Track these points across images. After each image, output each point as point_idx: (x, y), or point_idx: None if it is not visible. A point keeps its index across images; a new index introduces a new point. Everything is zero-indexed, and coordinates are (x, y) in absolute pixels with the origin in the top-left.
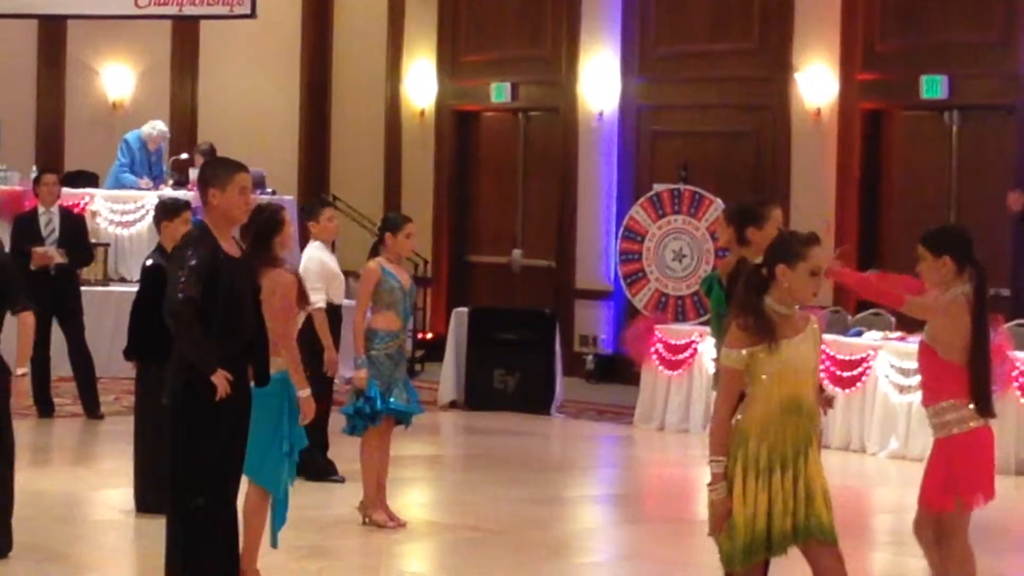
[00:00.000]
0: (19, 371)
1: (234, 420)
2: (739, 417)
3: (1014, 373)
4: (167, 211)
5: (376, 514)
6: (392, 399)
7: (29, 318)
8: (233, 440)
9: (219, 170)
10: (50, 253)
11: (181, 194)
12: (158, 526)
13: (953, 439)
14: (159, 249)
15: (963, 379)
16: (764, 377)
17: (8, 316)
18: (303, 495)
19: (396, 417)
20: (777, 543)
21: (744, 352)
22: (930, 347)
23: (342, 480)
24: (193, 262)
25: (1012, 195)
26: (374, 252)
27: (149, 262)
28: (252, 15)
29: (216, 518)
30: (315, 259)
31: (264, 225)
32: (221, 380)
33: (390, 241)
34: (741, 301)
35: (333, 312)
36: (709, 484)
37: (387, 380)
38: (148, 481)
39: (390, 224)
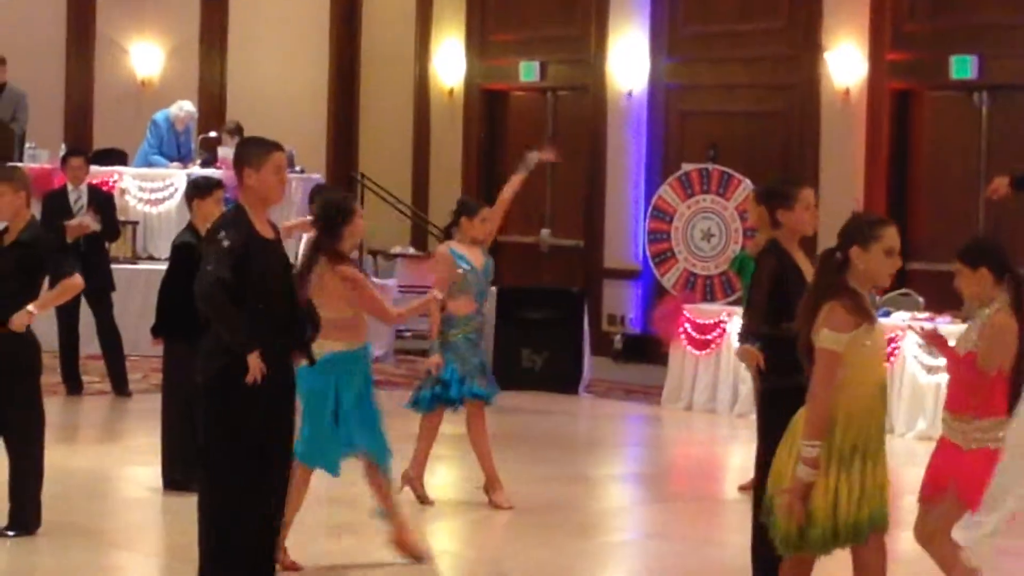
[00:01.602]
0: (31, 307)
1: (273, 403)
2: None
3: None
4: (198, 189)
5: (419, 488)
6: (474, 383)
7: (74, 279)
8: (273, 423)
9: (254, 149)
10: (85, 222)
11: (210, 172)
12: (185, 503)
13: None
14: (190, 227)
15: (1004, 391)
16: (857, 362)
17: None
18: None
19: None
20: (855, 532)
21: (848, 335)
22: (976, 364)
23: None
24: (226, 243)
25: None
26: (447, 235)
27: (179, 240)
28: None
29: (252, 501)
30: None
31: (335, 214)
32: (255, 362)
33: (466, 225)
34: (828, 284)
35: None
36: (805, 464)
37: (465, 363)
38: (175, 459)
39: (467, 208)
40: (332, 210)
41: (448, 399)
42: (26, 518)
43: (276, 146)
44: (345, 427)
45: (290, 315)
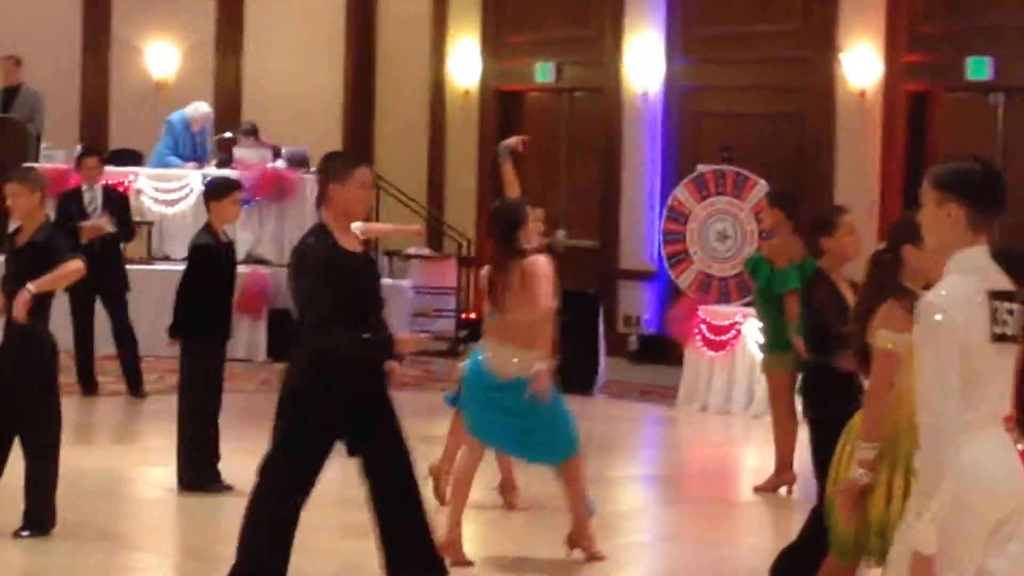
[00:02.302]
0: (29, 285)
1: (364, 414)
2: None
3: None
4: (216, 190)
5: (443, 487)
6: None
7: (74, 262)
8: (366, 432)
9: (339, 164)
10: (100, 224)
11: (225, 173)
12: (200, 504)
13: None
14: (207, 228)
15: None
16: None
17: (57, 298)
18: (342, 471)
19: None
20: None
21: (907, 335)
22: None
23: None
24: (308, 265)
25: None
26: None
27: (196, 242)
28: None
29: (295, 512)
30: None
31: (509, 220)
32: (405, 342)
33: None
34: (882, 285)
35: None
36: (861, 467)
37: None
38: (191, 460)
39: None
40: (507, 216)
41: None
42: (41, 518)
43: (361, 161)
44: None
45: (380, 325)
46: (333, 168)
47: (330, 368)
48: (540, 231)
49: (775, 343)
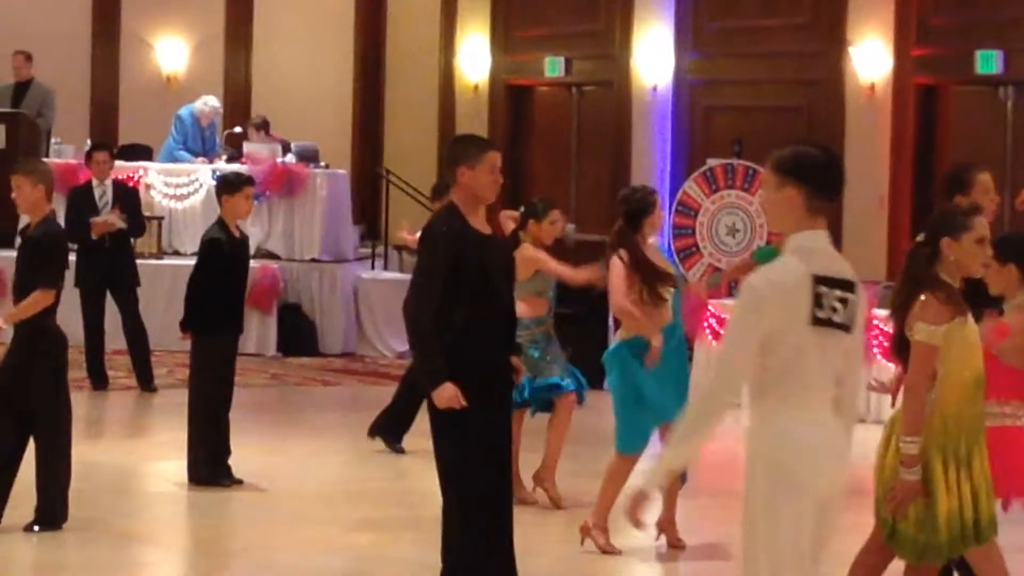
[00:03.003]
0: (1, 320)
1: (496, 403)
2: (931, 397)
3: None
4: (228, 186)
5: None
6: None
7: (45, 293)
8: (496, 423)
9: (470, 148)
10: (110, 220)
11: (235, 167)
12: (210, 499)
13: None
14: (219, 222)
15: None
16: (955, 357)
17: (67, 293)
18: (352, 467)
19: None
20: (986, 530)
21: (944, 327)
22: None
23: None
24: (430, 244)
25: None
26: (515, 239)
27: (208, 236)
28: None
29: (492, 505)
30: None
31: (637, 206)
32: (446, 397)
33: (534, 228)
34: (919, 278)
35: None
36: (904, 465)
37: (535, 367)
38: (200, 454)
39: (535, 211)
40: (635, 203)
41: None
42: (53, 514)
43: (491, 144)
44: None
45: (510, 312)
46: (463, 152)
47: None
48: (558, 234)
49: None
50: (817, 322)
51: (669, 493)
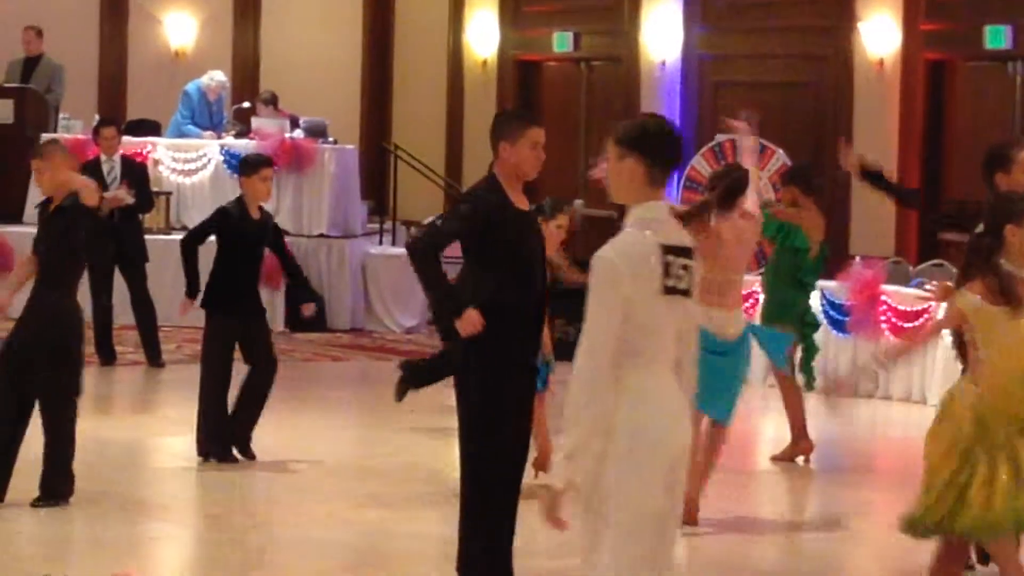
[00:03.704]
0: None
1: (522, 384)
2: (976, 390)
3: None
4: (245, 167)
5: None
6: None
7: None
8: (522, 404)
9: (512, 123)
10: (119, 195)
11: (243, 143)
12: (219, 474)
13: None
14: (238, 200)
15: None
16: (1001, 346)
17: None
18: (360, 442)
19: None
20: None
21: (979, 300)
22: None
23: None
24: (463, 207)
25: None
26: None
27: (221, 206)
28: None
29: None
30: None
31: (733, 184)
32: (470, 321)
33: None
34: (976, 267)
35: None
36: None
37: None
38: (211, 430)
39: (543, 211)
40: (732, 180)
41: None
42: (57, 488)
43: (533, 121)
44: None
45: (542, 295)
46: (505, 127)
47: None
48: (563, 239)
49: (774, 313)
50: (667, 290)
51: (698, 470)
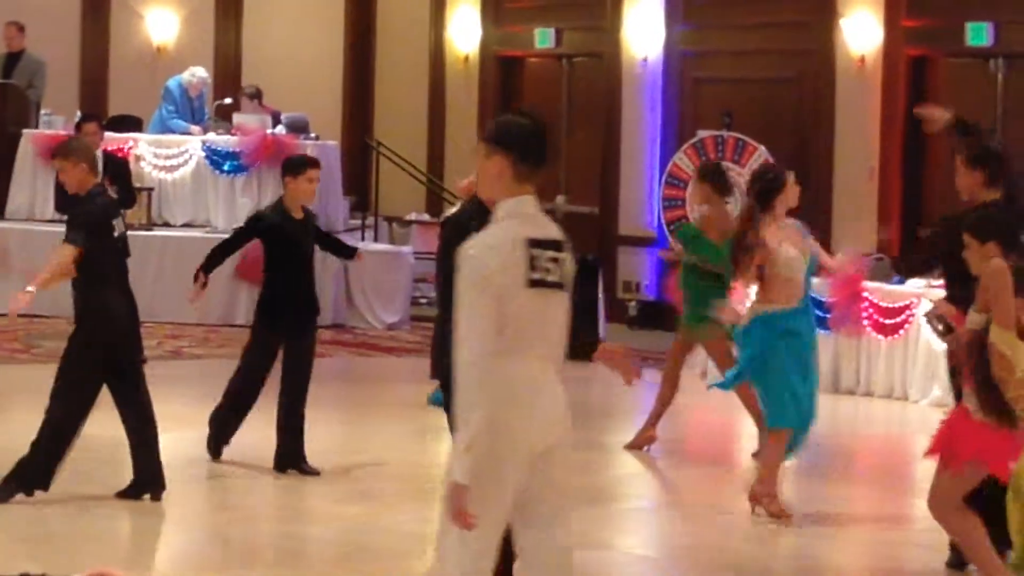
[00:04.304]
0: (29, 287)
1: None
2: None
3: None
4: (291, 168)
5: None
6: None
7: (62, 250)
8: None
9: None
10: None
11: (225, 140)
12: (203, 469)
13: None
14: (278, 202)
15: None
16: None
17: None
18: (347, 438)
19: None
20: None
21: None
22: None
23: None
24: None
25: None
26: None
27: (256, 210)
28: None
29: None
30: None
31: (768, 185)
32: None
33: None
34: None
35: None
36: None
37: None
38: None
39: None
40: (767, 182)
41: None
42: (30, 479)
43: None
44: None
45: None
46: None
47: None
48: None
49: (699, 313)
50: (533, 283)
51: (770, 467)
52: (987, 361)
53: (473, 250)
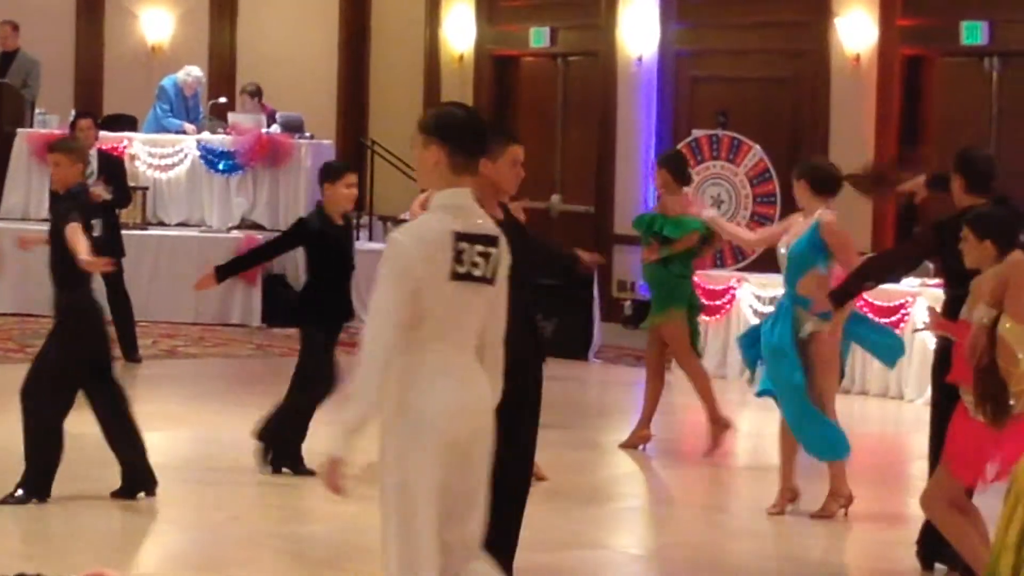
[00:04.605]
0: (106, 264)
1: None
2: None
3: None
4: (328, 173)
5: None
6: None
7: (73, 227)
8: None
9: (492, 140)
10: (96, 191)
11: (220, 139)
12: (196, 470)
13: None
14: (317, 208)
15: None
16: None
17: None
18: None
19: None
20: None
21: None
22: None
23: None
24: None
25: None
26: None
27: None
28: None
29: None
30: None
31: (832, 182)
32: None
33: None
34: None
35: None
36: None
37: None
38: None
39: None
40: (824, 172)
41: None
42: (36, 485)
43: (513, 139)
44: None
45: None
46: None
47: None
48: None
49: (668, 298)
50: (457, 277)
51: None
52: (994, 353)
53: (400, 237)
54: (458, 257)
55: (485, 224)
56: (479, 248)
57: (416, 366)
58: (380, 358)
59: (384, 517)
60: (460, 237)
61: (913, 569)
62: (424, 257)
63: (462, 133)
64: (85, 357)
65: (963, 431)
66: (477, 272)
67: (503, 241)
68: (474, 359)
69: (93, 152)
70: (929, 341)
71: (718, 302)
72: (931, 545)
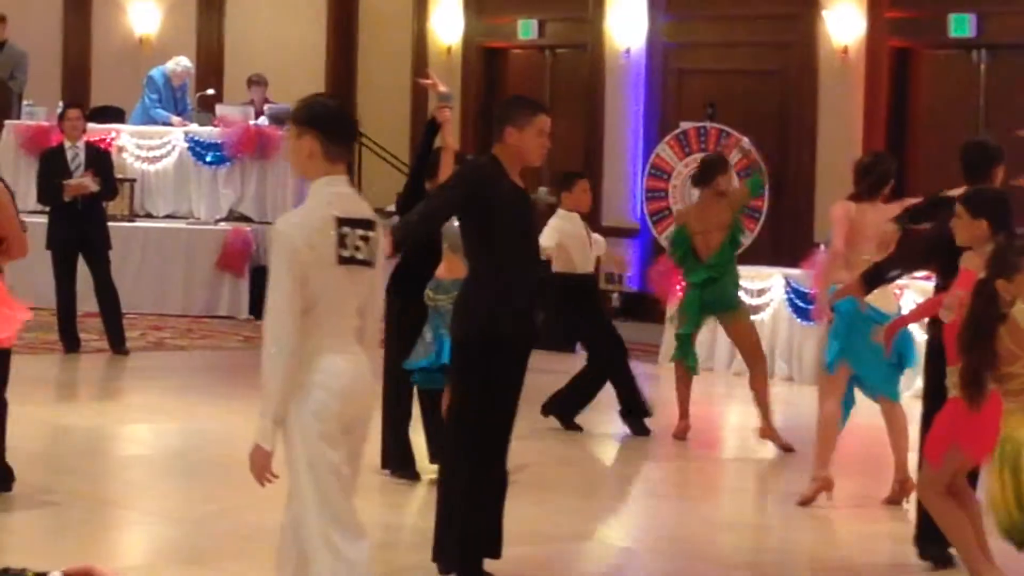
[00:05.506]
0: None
1: (519, 359)
2: None
3: None
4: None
5: None
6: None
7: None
8: (516, 380)
9: (520, 109)
10: (84, 183)
11: (208, 131)
12: (182, 462)
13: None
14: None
15: None
16: None
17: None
18: None
19: None
20: None
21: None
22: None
23: None
24: (450, 178)
25: None
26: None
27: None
28: None
29: (482, 484)
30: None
31: (883, 174)
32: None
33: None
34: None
35: (582, 282)
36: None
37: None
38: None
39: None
40: (881, 166)
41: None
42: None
43: (541, 108)
44: None
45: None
46: (512, 113)
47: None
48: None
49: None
50: (343, 261)
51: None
52: (990, 317)
53: (282, 227)
54: (341, 241)
55: (363, 208)
56: (360, 232)
57: (311, 351)
58: (286, 346)
59: (297, 498)
60: (342, 222)
61: (903, 562)
62: (309, 244)
63: (334, 123)
64: None
65: (944, 414)
66: (360, 255)
67: (379, 224)
68: (355, 341)
69: (81, 144)
70: (917, 334)
71: None
72: (927, 539)
